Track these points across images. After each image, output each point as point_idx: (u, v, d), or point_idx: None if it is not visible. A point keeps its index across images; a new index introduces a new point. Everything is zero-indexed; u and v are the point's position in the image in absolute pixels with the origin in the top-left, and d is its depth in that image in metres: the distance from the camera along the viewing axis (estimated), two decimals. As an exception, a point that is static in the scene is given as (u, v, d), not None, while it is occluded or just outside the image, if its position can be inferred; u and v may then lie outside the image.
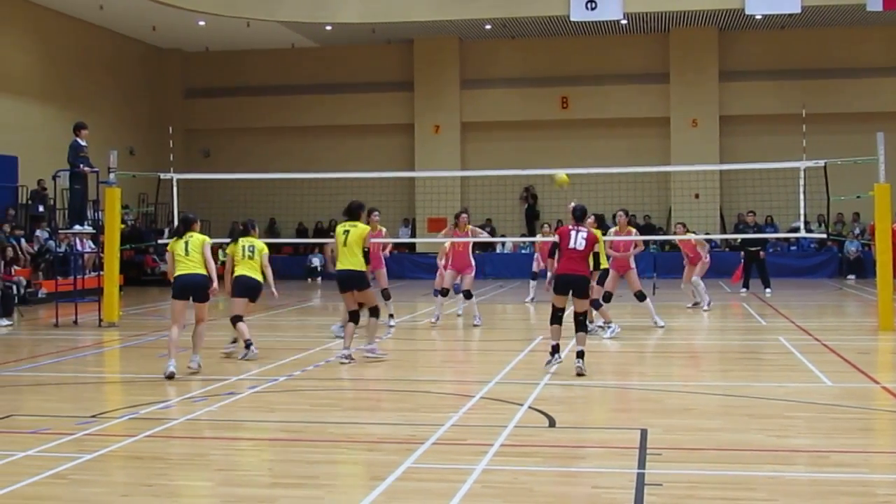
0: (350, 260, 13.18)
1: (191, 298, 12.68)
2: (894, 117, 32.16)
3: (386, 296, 17.55)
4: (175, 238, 13.02)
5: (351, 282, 13.21)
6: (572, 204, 12.58)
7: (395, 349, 15.15)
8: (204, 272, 12.65)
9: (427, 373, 12.79)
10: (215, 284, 12.81)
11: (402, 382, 11.90)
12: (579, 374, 11.73)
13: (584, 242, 12.09)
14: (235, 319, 13.95)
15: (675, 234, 21.93)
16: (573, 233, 12.16)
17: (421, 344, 15.61)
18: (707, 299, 21.02)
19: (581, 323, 12.14)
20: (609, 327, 15.79)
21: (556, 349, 12.18)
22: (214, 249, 34.51)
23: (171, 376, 11.92)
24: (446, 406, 10.34)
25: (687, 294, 21.55)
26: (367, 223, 16.75)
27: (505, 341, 16.01)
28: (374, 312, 13.38)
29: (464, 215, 18.14)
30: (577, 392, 11.19)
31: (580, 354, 11.93)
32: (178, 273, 12.74)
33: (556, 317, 12.18)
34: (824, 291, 26.68)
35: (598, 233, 12.90)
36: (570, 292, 12.10)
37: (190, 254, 12.73)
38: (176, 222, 20.70)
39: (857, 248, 30.89)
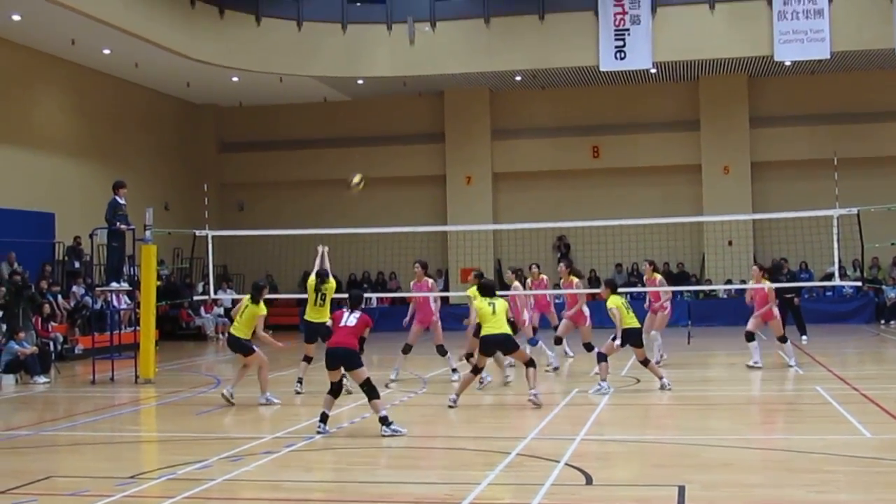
0: (500, 325, 14.09)
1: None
2: (927, 161, 32.11)
3: (442, 352, 17.47)
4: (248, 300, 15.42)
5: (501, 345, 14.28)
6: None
7: (430, 403, 15.18)
8: (238, 335, 15.16)
9: (463, 428, 12.78)
10: (275, 343, 15.76)
11: (439, 439, 11.90)
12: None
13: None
14: None
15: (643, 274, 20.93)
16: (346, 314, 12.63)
17: (460, 398, 15.58)
18: (662, 354, 19.41)
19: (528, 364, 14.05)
20: (600, 385, 15.55)
21: (324, 417, 12.24)
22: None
23: (223, 396, 15.04)
24: (483, 463, 10.32)
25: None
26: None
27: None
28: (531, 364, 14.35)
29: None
30: (614, 448, 11.16)
31: (382, 421, 11.98)
32: None
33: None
34: (861, 337, 26.47)
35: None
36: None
37: (243, 318, 15.24)
38: (211, 277, 21.08)
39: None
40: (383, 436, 11.67)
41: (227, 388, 15.18)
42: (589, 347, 18.11)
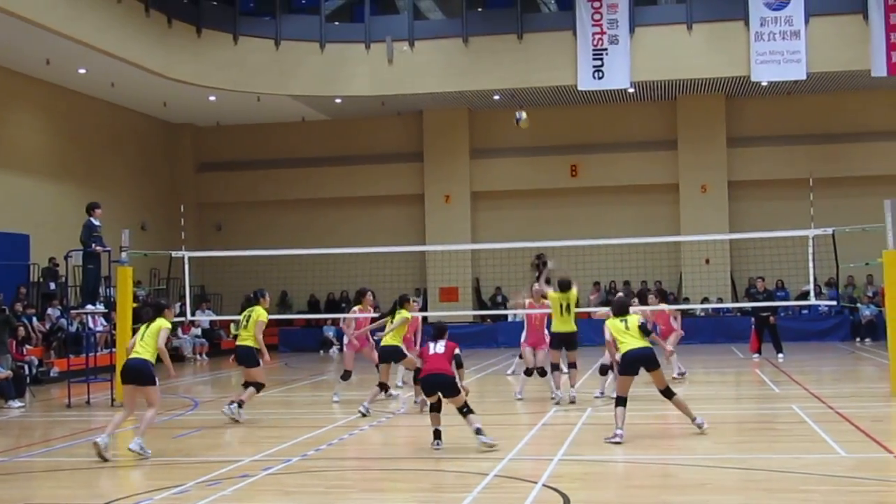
0: (639, 341, 13.19)
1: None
2: (902, 180, 32.39)
3: (345, 377, 17.77)
4: (146, 323, 13.07)
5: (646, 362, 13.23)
6: None
7: (408, 424, 15.17)
8: (145, 357, 12.64)
9: (442, 449, 12.72)
10: (171, 371, 13.51)
11: (417, 461, 11.86)
12: (490, 446, 12.16)
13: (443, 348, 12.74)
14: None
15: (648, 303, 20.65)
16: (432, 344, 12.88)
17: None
18: (681, 369, 20.17)
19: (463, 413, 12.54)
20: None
21: (438, 434, 12.55)
22: (226, 324, 34.35)
23: (95, 446, 12.09)
24: (461, 485, 10.31)
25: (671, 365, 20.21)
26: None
27: (518, 414, 15.97)
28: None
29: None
30: (592, 468, 11.15)
31: (477, 431, 12.32)
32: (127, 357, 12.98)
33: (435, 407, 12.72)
34: (837, 355, 26.59)
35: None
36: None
37: (144, 338, 12.82)
38: (188, 298, 20.94)
39: (871, 313, 30.80)
40: (486, 445, 12.09)
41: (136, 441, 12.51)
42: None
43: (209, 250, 29.30)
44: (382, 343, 16.13)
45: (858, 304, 31.24)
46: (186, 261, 20.31)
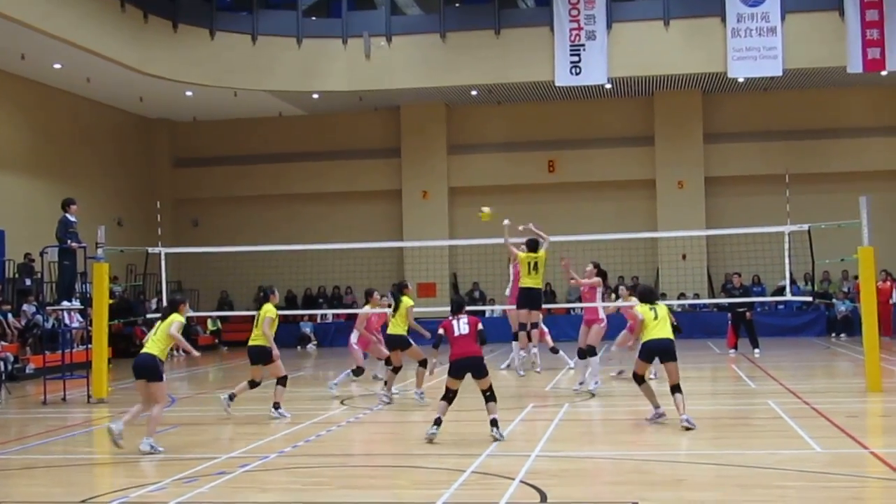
0: (663, 331, 13.59)
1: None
2: (877, 176, 32.72)
3: (357, 372, 18.61)
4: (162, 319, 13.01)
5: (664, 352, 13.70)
6: None
7: (386, 421, 15.18)
8: (153, 352, 12.53)
9: (419, 446, 12.73)
10: (194, 353, 13.87)
11: (395, 457, 11.87)
12: (496, 440, 12.36)
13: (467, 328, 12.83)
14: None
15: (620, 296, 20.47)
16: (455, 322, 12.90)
17: (415, 415, 15.57)
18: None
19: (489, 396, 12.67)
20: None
21: (438, 422, 12.62)
22: (203, 320, 34.15)
23: (109, 430, 12.32)
24: (438, 482, 10.30)
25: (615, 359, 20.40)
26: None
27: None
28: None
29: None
30: (569, 464, 11.16)
31: (493, 423, 12.57)
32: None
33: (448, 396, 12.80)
34: (813, 351, 26.73)
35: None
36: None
37: (157, 333, 12.76)
38: (164, 294, 20.84)
39: (846, 308, 30.97)
40: (493, 437, 12.36)
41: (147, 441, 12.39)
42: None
43: (186, 246, 29.17)
44: (388, 331, 16.94)
45: (834, 300, 31.42)
46: (163, 257, 20.25)
